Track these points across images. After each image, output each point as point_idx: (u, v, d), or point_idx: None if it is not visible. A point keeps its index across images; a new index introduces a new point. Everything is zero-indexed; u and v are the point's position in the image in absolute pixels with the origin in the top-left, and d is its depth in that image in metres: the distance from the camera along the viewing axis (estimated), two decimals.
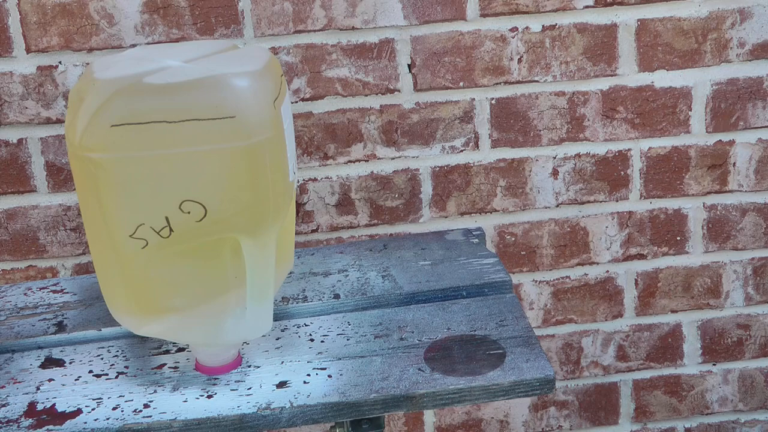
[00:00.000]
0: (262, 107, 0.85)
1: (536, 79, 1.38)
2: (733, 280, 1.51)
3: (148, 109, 0.83)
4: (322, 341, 1.02)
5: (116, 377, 0.98)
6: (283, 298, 1.11)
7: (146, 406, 0.93)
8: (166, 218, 0.85)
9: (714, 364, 1.56)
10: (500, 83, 1.38)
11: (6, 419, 0.92)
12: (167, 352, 1.02)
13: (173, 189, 0.85)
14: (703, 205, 1.47)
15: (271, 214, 0.89)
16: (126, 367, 1.00)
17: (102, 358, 1.02)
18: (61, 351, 1.04)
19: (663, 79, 1.39)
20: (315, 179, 1.39)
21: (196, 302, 0.91)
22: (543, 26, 1.36)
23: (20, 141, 1.34)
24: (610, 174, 1.44)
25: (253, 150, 0.85)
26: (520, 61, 1.37)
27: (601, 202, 1.46)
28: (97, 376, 0.99)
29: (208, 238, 0.88)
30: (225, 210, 0.86)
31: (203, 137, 0.83)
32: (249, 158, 0.85)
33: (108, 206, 0.86)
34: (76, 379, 0.98)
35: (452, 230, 1.26)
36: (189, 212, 0.85)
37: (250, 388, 0.94)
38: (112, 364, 1.01)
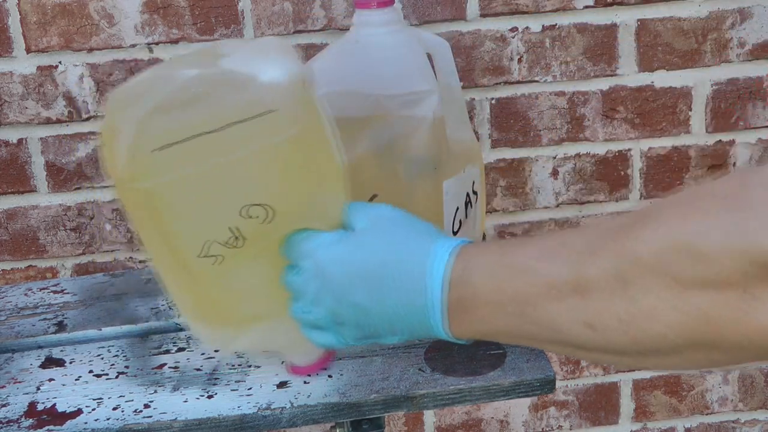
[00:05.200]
0: (298, 93, 0.81)
1: (536, 79, 1.38)
2: None
3: (184, 124, 0.78)
4: None
5: (116, 377, 0.98)
6: None
7: (146, 406, 0.93)
8: (237, 228, 0.80)
9: None
10: (500, 83, 1.38)
11: (6, 419, 0.92)
12: (167, 352, 1.02)
13: (232, 197, 0.80)
14: None
15: (339, 194, 0.84)
16: (126, 367, 1.00)
17: (102, 358, 1.02)
18: (62, 351, 1.04)
19: (663, 79, 1.40)
20: None
21: (280, 306, 0.85)
22: (543, 26, 1.36)
23: (20, 141, 1.34)
24: (610, 174, 1.44)
25: (302, 137, 0.80)
26: (520, 61, 1.37)
27: (601, 202, 1.46)
28: (98, 376, 0.99)
29: (281, 234, 0.82)
30: (291, 204, 0.81)
31: (249, 138, 0.79)
32: (301, 146, 0.81)
33: (168, 231, 0.82)
34: (76, 379, 0.98)
35: None
36: (256, 216, 0.80)
37: (250, 389, 0.94)
38: (113, 364, 1.01)
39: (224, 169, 0.79)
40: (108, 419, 0.91)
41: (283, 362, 0.96)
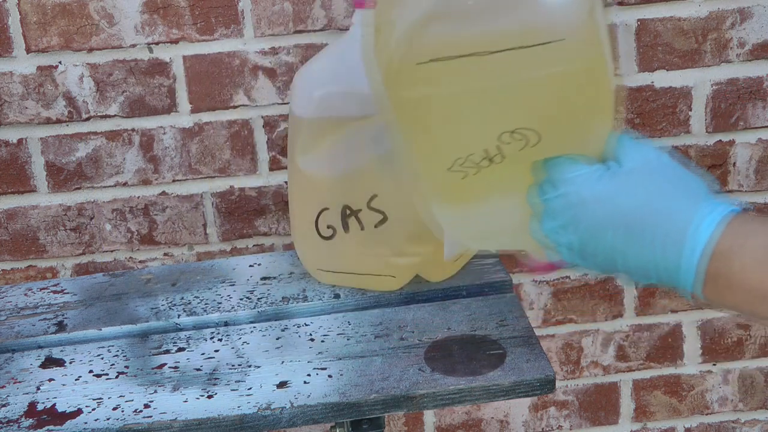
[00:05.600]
0: (584, 21, 0.73)
1: None
2: None
3: (458, 39, 0.72)
4: (323, 341, 1.02)
5: (116, 377, 0.98)
6: (283, 298, 1.11)
7: (146, 406, 0.93)
8: (496, 147, 0.76)
9: (714, 364, 1.56)
10: None
11: (6, 419, 0.92)
12: (167, 352, 1.02)
13: (495, 120, 0.75)
14: None
15: (607, 124, 0.79)
16: (126, 367, 1.00)
17: (102, 358, 1.02)
18: (62, 351, 1.04)
19: (663, 79, 1.39)
20: None
21: (524, 215, 0.81)
22: None
23: (20, 141, 1.34)
24: None
25: (582, 69, 0.75)
26: None
27: None
28: (98, 376, 0.99)
29: (539, 157, 0.78)
30: (557, 131, 0.77)
31: (525, 65, 0.73)
32: (579, 78, 0.75)
33: (421, 141, 0.79)
34: (76, 379, 0.98)
35: None
36: (519, 139, 0.76)
37: (250, 389, 0.94)
38: (113, 364, 1.01)
39: (492, 93, 0.74)
40: (108, 419, 0.91)
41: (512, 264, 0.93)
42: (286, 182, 1.37)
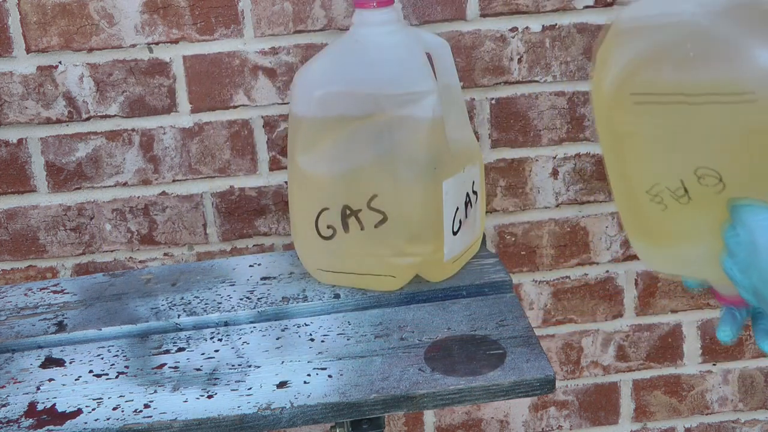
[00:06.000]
0: None
1: (536, 79, 1.38)
2: None
3: (668, 80, 0.79)
4: (323, 341, 1.02)
5: (116, 377, 0.98)
6: (283, 298, 1.11)
7: (146, 406, 0.93)
8: (687, 187, 0.82)
9: (714, 364, 1.56)
10: (500, 83, 1.38)
11: (6, 419, 0.92)
12: (167, 352, 1.02)
13: (690, 156, 0.81)
14: None
15: None
16: (126, 367, 1.00)
17: (102, 358, 1.02)
18: (62, 351, 1.04)
19: None
20: None
21: (715, 250, 0.85)
22: (543, 26, 1.36)
23: (20, 141, 1.34)
24: None
25: None
26: (520, 61, 1.37)
27: (601, 202, 1.46)
28: (98, 376, 0.99)
29: (728, 197, 0.83)
30: (747, 180, 0.81)
31: (723, 114, 0.78)
32: None
33: (624, 161, 0.86)
34: (76, 379, 0.98)
35: None
36: (706, 184, 0.81)
37: (250, 389, 0.94)
38: (113, 364, 1.01)
39: (691, 132, 0.80)
40: (108, 419, 0.91)
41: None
42: (286, 182, 1.37)
